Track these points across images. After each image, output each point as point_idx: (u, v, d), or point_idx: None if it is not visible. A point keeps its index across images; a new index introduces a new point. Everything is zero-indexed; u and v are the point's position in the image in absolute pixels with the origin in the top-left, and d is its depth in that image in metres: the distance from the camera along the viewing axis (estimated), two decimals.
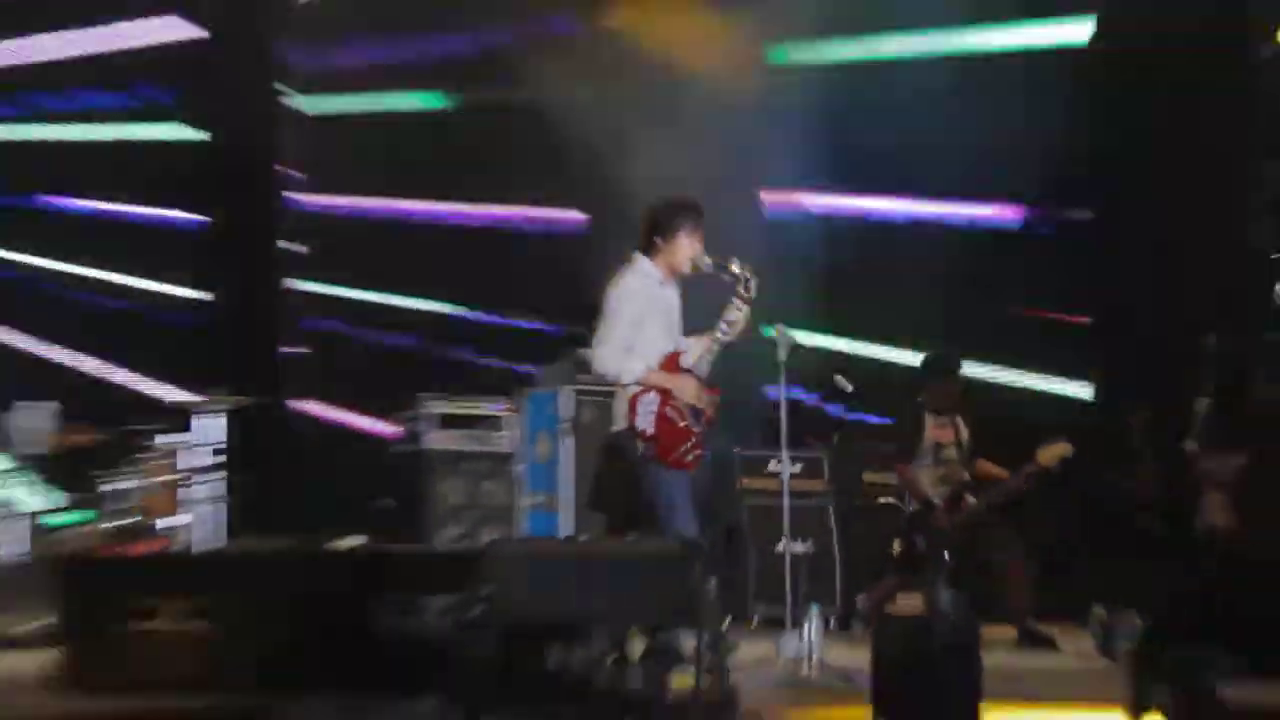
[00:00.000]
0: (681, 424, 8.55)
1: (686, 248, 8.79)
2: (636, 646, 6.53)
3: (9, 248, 15.45)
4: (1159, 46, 12.79)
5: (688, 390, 8.55)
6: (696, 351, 8.76)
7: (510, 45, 15.24)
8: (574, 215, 15.18)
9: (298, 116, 16.64)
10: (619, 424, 8.72)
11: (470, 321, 15.77)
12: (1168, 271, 13.16)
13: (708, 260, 8.86)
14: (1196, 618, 4.90)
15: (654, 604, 6.29)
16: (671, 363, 8.62)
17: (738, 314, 8.72)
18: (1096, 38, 13.16)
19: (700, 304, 9.02)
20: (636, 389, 8.55)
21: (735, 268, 8.81)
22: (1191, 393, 11.76)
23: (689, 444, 8.56)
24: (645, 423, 8.53)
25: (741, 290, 8.70)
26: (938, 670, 5.24)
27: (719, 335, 8.75)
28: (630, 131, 12.76)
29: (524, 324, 15.07)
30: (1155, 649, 4.86)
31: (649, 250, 8.84)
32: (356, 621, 6.70)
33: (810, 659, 8.39)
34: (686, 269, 8.83)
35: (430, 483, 12.60)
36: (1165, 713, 4.67)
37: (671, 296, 8.86)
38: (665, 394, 8.53)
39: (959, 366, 11.52)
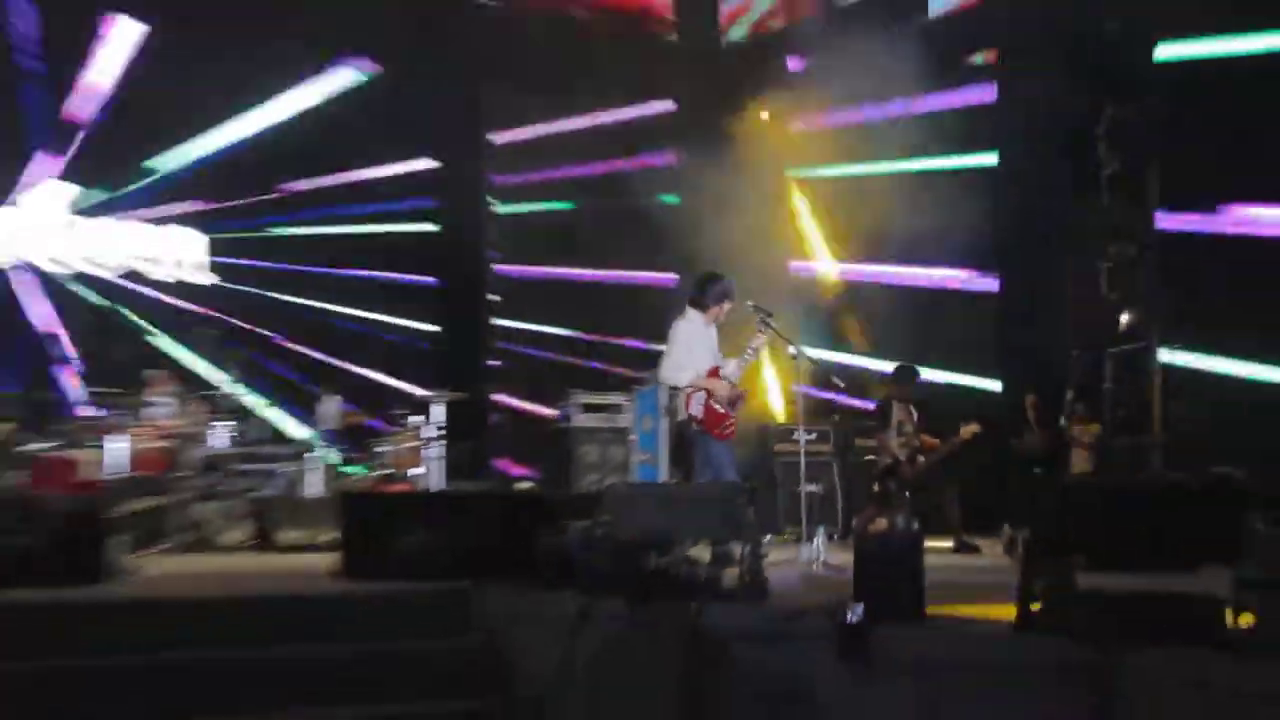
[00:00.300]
0: (720, 411, 8.90)
1: (717, 308, 9.22)
2: (703, 553, 6.87)
3: (323, 299, 15.81)
4: None
5: (720, 390, 8.88)
6: (732, 367, 9.10)
7: (620, 171, 16.09)
8: (666, 277, 15.74)
9: (497, 215, 17.07)
10: (681, 415, 9.14)
11: (602, 343, 16.06)
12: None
13: (749, 304, 9.48)
14: (1062, 532, 4.86)
15: (713, 525, 6.35)
16: (713, 373, 8.92)
17: (758, 344, 9.24)
18: None
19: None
20: (689, 390, 8.97)
21: (757, 313, 9.43)
22: (1064, 387, 12.25)
23: (727, 423, 8.93)
24: (697, 410, 8.95)
25: (760, 328, 9.20)
26: (895, 566, 5.13)
27: (746, 356, 9.19)
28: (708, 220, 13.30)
29: (637, 344, 15.14)
30: (1037, 553, 4.72)
31: (696, 304, 9.26)
32: (527, 537, 6.77)
33: (818, 561, 8.79)
34: (720, 318, 9.28)
35: (575, 447, 12.77)
36: (1040, 594, 4.49)
37: (711, 333, 9.19)
38: (708, 392, 9.07)
39: (915, 375, 11.85)
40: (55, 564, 6.54)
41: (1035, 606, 4.44)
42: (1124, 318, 12.58)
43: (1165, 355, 12.30)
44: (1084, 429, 12.09)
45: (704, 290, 9.28)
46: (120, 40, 14.81)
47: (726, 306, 9.27)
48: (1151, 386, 12.33)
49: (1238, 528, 3.97)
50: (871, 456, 12.11)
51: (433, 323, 16.59)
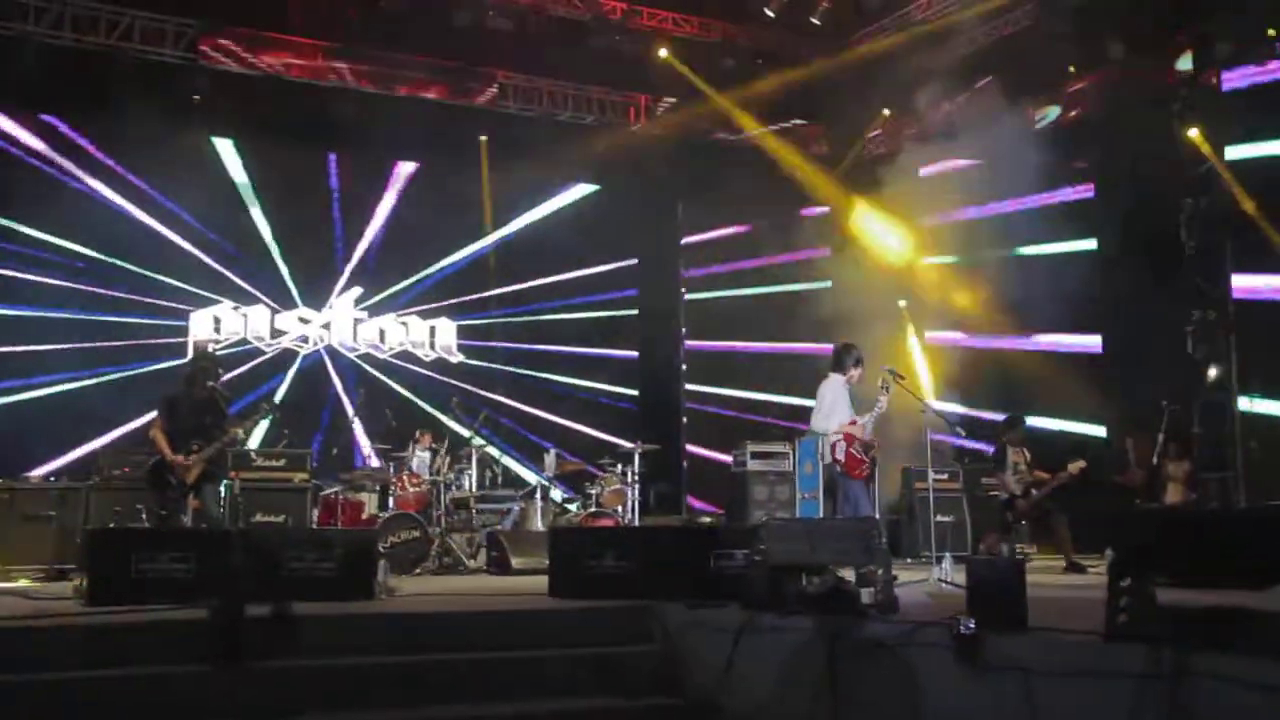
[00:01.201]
0: (858, 456, 8.88)
1: (853, 370, 9.20)
2: (847, 574, 6.89)
3: (547, 371, 16.04)
4: None
5: (858, 437, 8.89)
6: (865, 420, 9.08)
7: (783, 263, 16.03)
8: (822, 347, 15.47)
9: (687, 301, 17.25)
10: (827, 459, 9.14)
11: (770, 402, 15.86)
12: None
13: (885, 367, 9.35)
14: (1143, 553, 4.73)
15: (852, 552, 6.09)
16: (851, 425, 8.95)
17: (884, 399, 9.10)
18: None
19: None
20: (835, 438, 8.96)
21: (892, 376, 9.32)
22: (1159, 432, 11.76)
23: (863, 466, 8.86)
24: (840, 455, 8.90)
25: (883, 388, 9.10)
26: (1001, 584, 4.86)
27: (876, 411, 9.06)
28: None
29: (799, 401, 15.01)
30: (1122, 571, 4.36)
31: (837, 368, 9.28)
32: (700, 561, 6.71)
33: (947, 580, 8.43)
34: (855, 380, 9.26)
35: (748, 487, 12.54)
36: (1125, 607, 4.26)
37: (848, 391, 9.17)
38: (849, 439, 8.96)
39: (1022, 421, 11.52)
40: (342, 584, 6.67)
41: (1121, 618, 4.23)
42: (1210, 372, 12.12)
43: (1244, 403, 11.80)
44: (1176, 466, 11.57)
45: (841, 358, 9.27)
46: (395, 179, 15.54)
47: (858, 371, 9.27)
48: (1233, 430, 11.80)
49: None
50: (994, 492, 11.68)
51: (634, 388, 16.70)
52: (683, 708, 5.69)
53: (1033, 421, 11.92)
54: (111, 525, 9.48)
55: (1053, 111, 14.05)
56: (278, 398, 13.37)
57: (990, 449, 11.75)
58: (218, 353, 13.50)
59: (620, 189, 16.64)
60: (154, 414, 9.21)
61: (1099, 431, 13.61)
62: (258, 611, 5.44)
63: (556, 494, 12.47)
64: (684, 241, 17.21)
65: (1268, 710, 3.53)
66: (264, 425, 12.19)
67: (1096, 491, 11.57)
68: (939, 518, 11.13)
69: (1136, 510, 10.97)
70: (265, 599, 5.57)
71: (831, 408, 9.06)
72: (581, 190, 16.58)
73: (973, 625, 4.56)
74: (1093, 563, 10.45)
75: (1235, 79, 12.34)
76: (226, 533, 8.30)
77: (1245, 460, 11.67)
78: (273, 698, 5.12)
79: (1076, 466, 10.78)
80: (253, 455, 11.23)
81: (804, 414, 13.95)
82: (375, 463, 12.67)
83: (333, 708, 5.16)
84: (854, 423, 8.99)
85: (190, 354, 13.99)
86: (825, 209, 16.27)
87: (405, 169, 15.59)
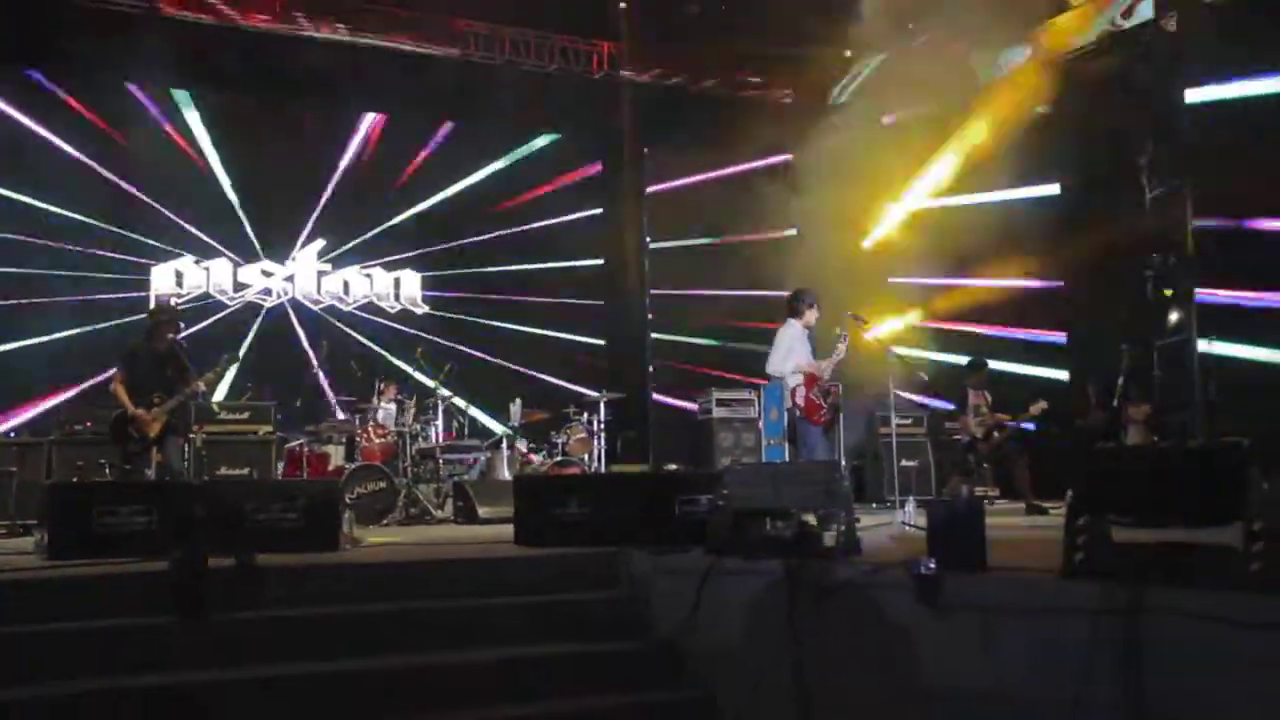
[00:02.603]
0: (817, 401, 8.89)
1: (808, 313, 9.20)
2: (810, 518, 7.01)
3: (512, 321, 15.85)
4: None
5: (816, 381, 8.93)
6: (824, 365, 9.08)
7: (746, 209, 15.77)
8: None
9: (652, 250, 16.92)
10: (788, 404, 9.14)
11: (735, 348, 15.63)
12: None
13: (848, 313, 9.33)
14: (1098, 492, 4.70)
15: (814, 496, 5.84)
16: (810, 369, 8.98)
17: (842, 346, 9.12)
18: None
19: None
20: (795, 383, 8.93)
21: (855, 320, 9.32)
22: (1118, 374, 11.85)
23: (821, 412, 8.89)
24: (800, 400, 8.89)
25: (842, 333, 9.16)
26: (960, 526, 4.78)
27: (835, 356, 9.11)
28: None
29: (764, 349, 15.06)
30: (1078, 510, 4.32)
31: (792, 314, 9.26)
32: (665, 507, 6.66)
33: (908, 524, 8.34)
34: (811, 323, 9.25)
35: (714, 434, 12.72)
36: (1081, 546, 4.26)
37: (806, 336, 9.20)
38: (809, 383, 8.89)
39: (984, 365, 11.61)
40: (307, 535, 6.61)
41: (1078, 556, 4.25)
42: (1172, 316, 12.22)
43: (1203, 345, 11.87)
44: (1136, 409, 11.67)
45: (795, 303, 9.23)
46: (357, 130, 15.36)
47: (813, 313, 9.24)
48: (1192, 372, 11.91)
49: (1245, 487, 3.77)
50: (957, 436, 11.74)
51: (600, 338, 16.64)
52: (645, 651, 5.71)
53: (994, 365, 11.97)
54: (74, 479, 9.36)
55: (1020, 53, 13.96)
56: (241, 351, 13.21)
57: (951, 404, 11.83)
58: (180, 306, 13.30)
59: (584, 138, 16.45)
60: (115, 369, 9.07)
61: (1061, 375, 13.69)
62: (221, 564, 5.39)
63: (522, 444, 12.42)
64: (649, 190, 17.06)
65: (1217, 640, 3.58)
66: (229, 378, 12.08)
67: (1057, 435, 11.72)
68: (903, 462, 11.17)
69: (1093, 450, 10.99)
70: (228, 551, 5.53)
71: (788, 351, 9.06)
72: (545, 139, 16.37)
73: (933, 566, 4.56)
74: (1053, 504, 10.57)
75: None
76: (188, 485, 8.23)
77: (1203, 402, 11.73)
78: (236, 650, 5.10)
79: (1038, 408, 10.90)
80: (216, 408, 11.11)
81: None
82: (340, 415, 12.59)
83: (296, 658, 5.13)
84: (812, 367, 8.93)
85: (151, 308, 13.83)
86: (788, 156, 16.14)
87: (368, 120, 15.39)
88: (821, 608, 5.03)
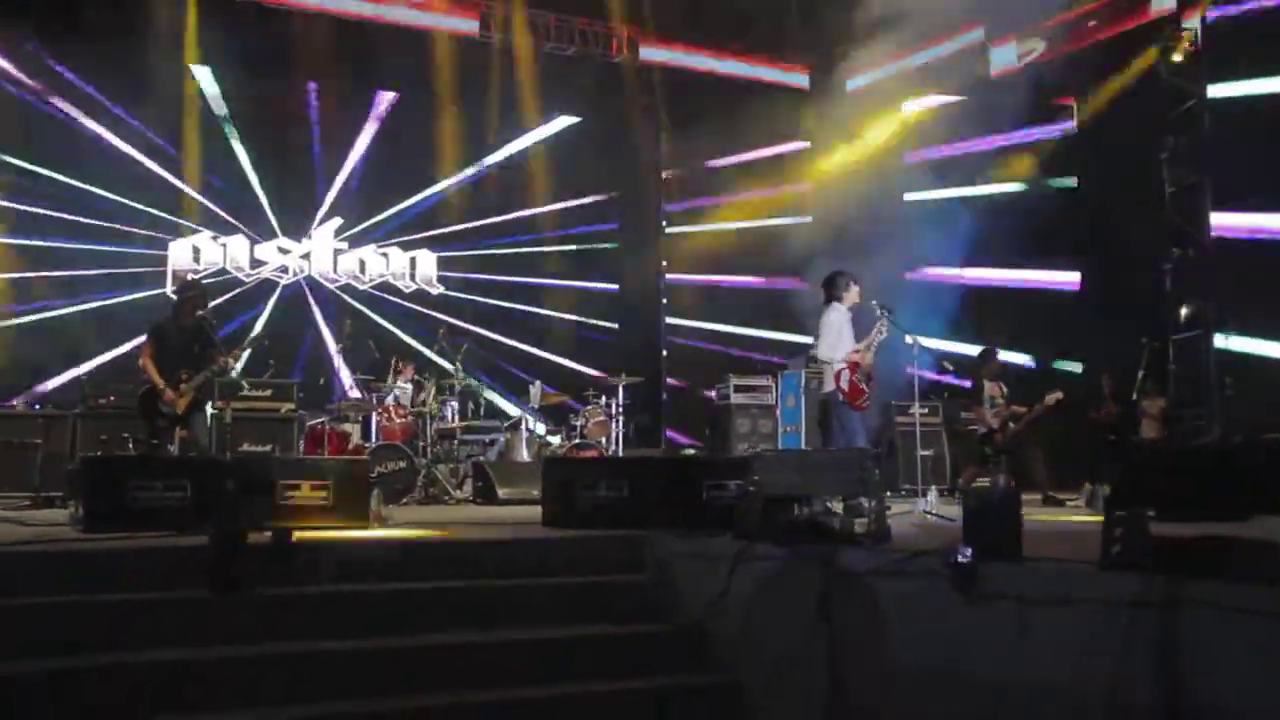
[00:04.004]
0: (860, 386, 8.75)
1: (849, 294, 9.04)
2: (837, 506, 6.65)
3: (529, 304, 15.95)
4: None
5: (865, 365, 8.74)
6: (866, 347, 8.90)
7: (762, 197, 15.74)
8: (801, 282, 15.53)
9: (668, 234, 17.15)
10: (828, 387, 8.88)
11: (746, 335, 15.81)
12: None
13: (874, 301, 9.23)
14: (1137, 487, 4.71)
15: (845, 484, 6.01)
16: (854, 354, 8.78)
17: (883, 329, 8.98)
18: None
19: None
20: (840, 367, 8.73)
21: (879, 308, 9.20)
22: (1136, 368, 11.84)
23: (864, 397, 8.73)
24: (844, 384, 8.67)
25: (883, 316, 9.02)
26: (997, 514, 4.80)
27: (876, 338, 8.87)
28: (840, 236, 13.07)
29: (776, 335, 15.09)
30: (1117, 504, 4.35)
31: (834, 298, 9.00)
32: (693, 492, 6.66)
33: (931, 512, 8.46)
34: (854, 302, 9.06)
35: (730, 420, 12.67)
36: (1119, 538, 4.24)
37: (849, 319, 8.99)
38: (853, 368, 8.74)
39: (995, 354, 11.49)
40: (338, 511, 6.59)
41: (1115, 548, 4.24)
42: (1184, 310, 12.19)
43: (1219, 340, 11.85)
44: (1152, 402, 11.68)
45: (836, 284, 9.05)
46: (375, 109, 15.28)
47: (855, 291, 9.02)
48: (1208, 366, 11.85)
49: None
50: (973, 426, 11.71)
51: (614, 321, 16.66)
52: (671, 633, 5.71)
53: (1009, 357, 11.94)
54: (101, 453, 9.39)
55: (1038, 46, 13.92)
56: (257, 328, 13.26)
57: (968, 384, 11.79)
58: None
59: (602, 121, 16.44)
60: (143, 340, 9.11)
61: (1075, 368, 13.68)
62: (255, 539, 5.42)
63: (540, 427, 12.43)
64: (665, 175, 17.04)
65: (1254, 633, 3.59)
66: (245, 355, 12.10)
67: (1073, 427, 11.71)
68: (919, 452, 11.16)
69: (1117, 445, 11.01)
70: (262, 526, 5.56)
71: (839, 335, 8.85)
72: (563, 122, 16.33)
73: (970, 554, 4.55)
74: (1069, 496, 10.58)
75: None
76: (222, 461, 8.25)
77: (1219, 397, 11.73)
78: (270, 624, 5.12)
79: (1054, 398, 10.85)
80: (242, 384, 11.14)
81: (785, 349, 14.06)
82: (356, 394, 12.61)
83: (330, 635, 5.16)
84: (857, 351, 8.83)
85: (170, 283, 13.88)
86: (805, 144, 16.09)
87: (386, 99, 15.36)
88: (852, 595, 5.02)
